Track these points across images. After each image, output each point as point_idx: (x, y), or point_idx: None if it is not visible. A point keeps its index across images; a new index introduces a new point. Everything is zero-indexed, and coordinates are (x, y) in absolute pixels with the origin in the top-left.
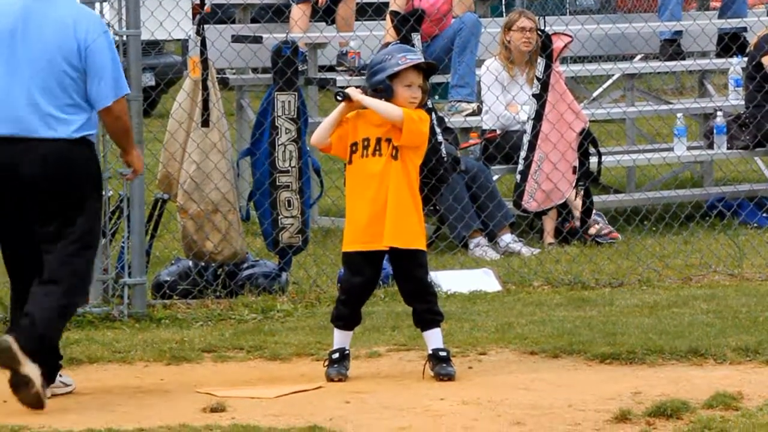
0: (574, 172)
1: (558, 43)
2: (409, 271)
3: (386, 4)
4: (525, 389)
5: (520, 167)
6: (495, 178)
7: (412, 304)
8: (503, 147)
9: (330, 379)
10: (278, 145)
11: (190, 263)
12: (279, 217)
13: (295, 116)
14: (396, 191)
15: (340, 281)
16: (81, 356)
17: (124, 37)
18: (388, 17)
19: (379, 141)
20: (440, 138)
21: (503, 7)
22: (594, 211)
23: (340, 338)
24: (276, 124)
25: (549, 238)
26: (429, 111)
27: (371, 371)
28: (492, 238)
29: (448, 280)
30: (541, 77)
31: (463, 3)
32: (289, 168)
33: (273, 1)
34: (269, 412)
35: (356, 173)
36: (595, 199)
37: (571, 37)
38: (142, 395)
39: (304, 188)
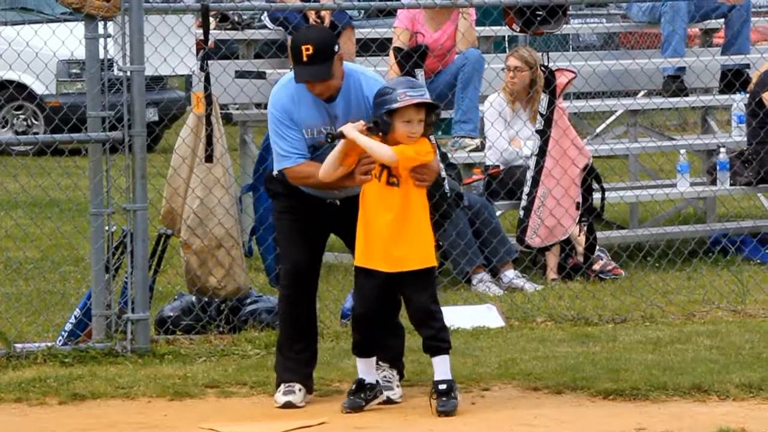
0: (577, 208)
1: (561, 79)
2: (408, 294)
3: (390, 40)
4: (528, 425)
5: (523, 203)
6: (498, 213)
7: (416, 328)
8: (506, 182)
9: (341, 411)
10: None
11: (194, 299)
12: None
13: None
14: (396, 216)
15: (343, 317)
16: (84, 392)
17: (128, 73)
18: (391, 53)
19: (383, 166)
20: (443, 174)
21: (506, 43)
22: (597, 247)
23: (359, 367)
24: None
25: (552, 273)
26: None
27: (375, 406)
28: (495, 273)
29: (451, 315)
30: (544, 113)
31: (466, 39)
32: None
33: (277, 37)
34: None
35: (363, 195)
36: (599, 234)
37: (574, 73)
38: (146, 431)
39: None
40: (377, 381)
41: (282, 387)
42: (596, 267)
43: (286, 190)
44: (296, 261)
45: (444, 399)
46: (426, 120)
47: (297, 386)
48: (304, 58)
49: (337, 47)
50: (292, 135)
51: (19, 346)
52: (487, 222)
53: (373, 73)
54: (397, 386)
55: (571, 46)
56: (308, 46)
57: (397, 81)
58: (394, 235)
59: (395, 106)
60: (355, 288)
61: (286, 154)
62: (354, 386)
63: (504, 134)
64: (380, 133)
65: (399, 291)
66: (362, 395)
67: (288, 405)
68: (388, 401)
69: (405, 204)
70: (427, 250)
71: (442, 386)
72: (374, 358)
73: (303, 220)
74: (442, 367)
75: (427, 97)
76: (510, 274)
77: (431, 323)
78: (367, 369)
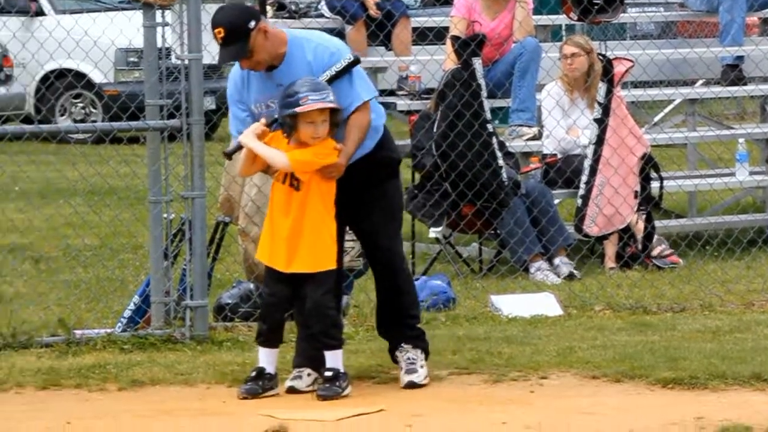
0: (635, 197)
1: (619, 68)
2: (307, 290)
3: (447, 29)
4: (587, 414)
5: (581, 192)
6: (555, 202)
7: (309, 322)
8: (564, 171)
9: (237, 396)
10: None
11: (252, 286)
12: None
13: None
14: (300, 219)
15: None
16: (143, 378)
17: (186, 61)
18: (448, 42)
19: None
20: (501, 162)
21: (563, 31)
22: (656, 236)
23: (261, 357)
24: None
25: (610, 262)
26: (490, 135)
27: (433, 394)
28: (553, 262)
29: (509, 304)
30: (602, 102)
31: (523, 28)
32: None
33: (334, 26)
34: None
35: (273, 192)
36: (657, 224)
37: (632, 61)
38: (205, 418)
39: None
40: (276, 373)
41: (292, 372)
42: (655, 252)
43: None
44: None
45: (327, 385)
46: (331, 120)
47: (306, 371)
48: (219, 41)
49: (253, 23)
50: (239, 115)
51: (78, 332)
52: (544, 210)
53: (320, 37)
54: (421, 367)
55: (628, 35)
56: (219, 29)
57: (302, 82)
58: (291, 238)
59: (297, 110)
60: (264, 279)
61: (234, 135)
62: (254, 373)
63: (561, 123)
64: (285, 134)
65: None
66: (260, 383)
67: (290, 390)
68: (411, 385)
69: (302, 208)
70: (322, 255)
71: (328, 373)
72: (277, 350)
73: None
74: (332, 360)
75: (329, 101)
76: (558, 260)
77: (324, 319)
78: (269, 359)
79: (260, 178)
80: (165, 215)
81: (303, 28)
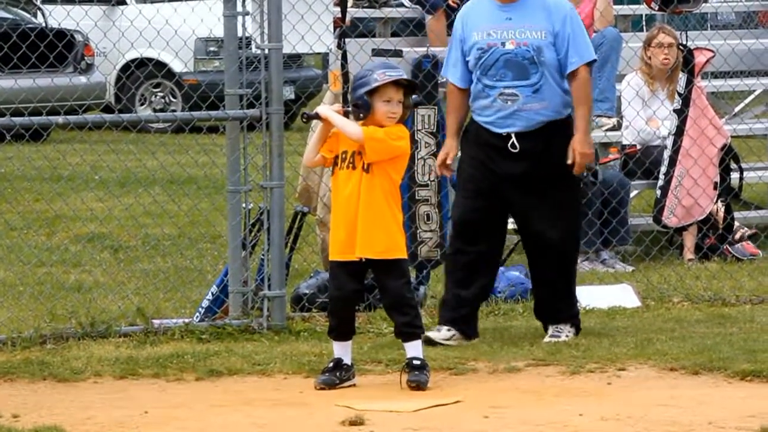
0: (715, 188)
1: (700, 58)
2: (384, 282)
3: None
4: (665, 406)
5: (660, 182)
6: (635, 193)
7: (390, 315)
8: (643, 162)
9: (315, 387)
10: (417, 159)
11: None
12: (418, 231)
13: (434, 130)
14: (367, 203)
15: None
16: (221, 368)
17: (266, 51)
18: None
19: (353, 154)
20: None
21: (644, 21)
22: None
23: (336, 349)
24: (415, 138)
25: (689, 254)
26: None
27: (510, 386)
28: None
29: (586, 295)
30: (682, 92)
31: (604, 18)
32: (428, 182)
33: (414, 15)
34: (408, 425)
35: (336, 184)
36: (736, 215)
37: (713, 52)
38: (282, 408)
39: (443, 202)
40: (353, 363)
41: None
42: (737, 236)
43: (469, 136)
44: (460, 211)
45: (416, 372)
46: (404, 102)
47: (444, 328)
48: None
49: None
50: (454, 55)
51: (156, 322)
52: (623, 201)
53: None
54: (566, 336)
55: (709, 25)
56: None
57: (374, 64)
58: (359, 223)
59: (375, 84)
60: (330, 276)
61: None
62: (331, 364)
63: (641, 114)
64: (360, 115)
65: (374, 276)
66: (337, 374)
67: (426, 341)
68: (554, 336)
69: (370, 191)
70: (392, 242)
71: (417, 362)
72: (351, 341)
73: (480, 171)
74: (416, 349)
75: (405, 76)
76: (604, 254)
77: (404, 309)
78: (344, 351)
79: None
80: (243, 205)
81: (382, 18)
